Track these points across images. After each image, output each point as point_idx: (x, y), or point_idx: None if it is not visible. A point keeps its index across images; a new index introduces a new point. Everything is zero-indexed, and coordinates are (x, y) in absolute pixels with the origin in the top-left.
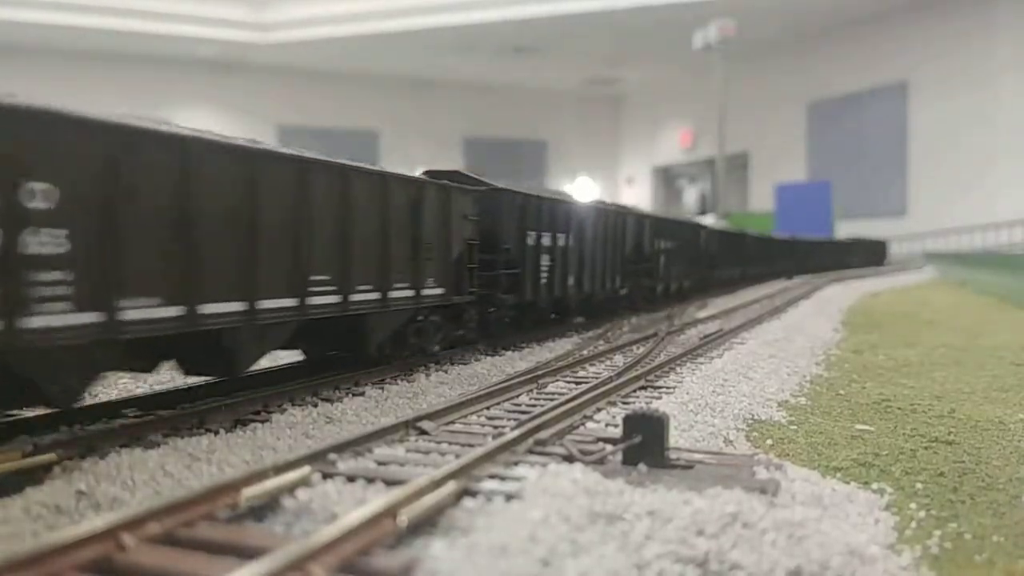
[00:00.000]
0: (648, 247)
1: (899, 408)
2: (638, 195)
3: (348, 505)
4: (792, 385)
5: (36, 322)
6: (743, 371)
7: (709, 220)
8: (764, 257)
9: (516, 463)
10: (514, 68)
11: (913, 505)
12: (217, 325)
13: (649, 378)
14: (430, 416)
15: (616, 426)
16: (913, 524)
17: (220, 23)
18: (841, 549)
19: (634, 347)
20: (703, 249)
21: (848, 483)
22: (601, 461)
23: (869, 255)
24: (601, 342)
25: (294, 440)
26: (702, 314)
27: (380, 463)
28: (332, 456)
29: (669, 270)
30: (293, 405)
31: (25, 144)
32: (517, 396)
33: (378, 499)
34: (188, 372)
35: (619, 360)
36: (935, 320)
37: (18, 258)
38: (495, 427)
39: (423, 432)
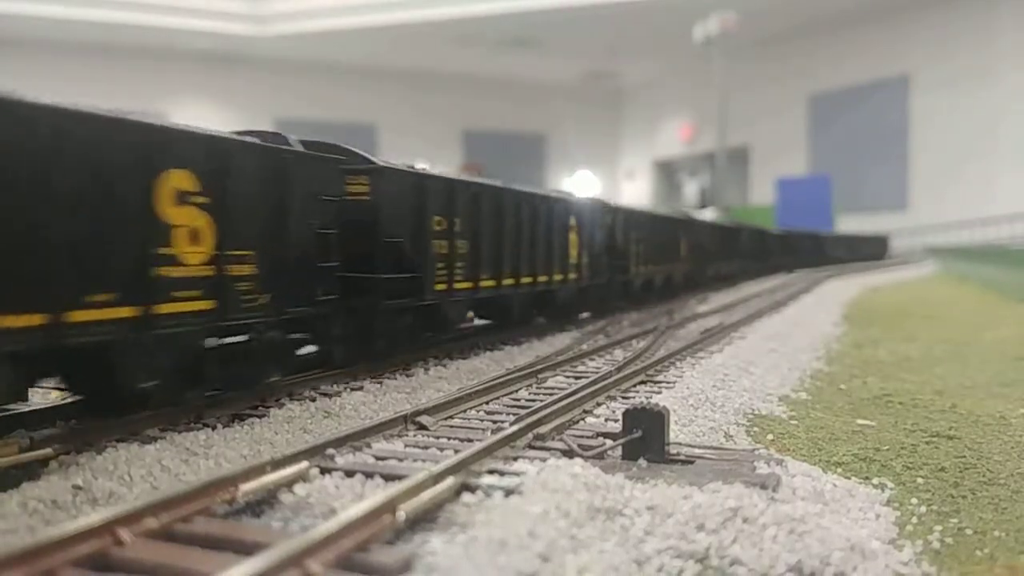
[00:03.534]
0: (409, 238)
1: (900, 403)
2: (638, 189)
3: (346, 500)
4: (793, 380)
5: None
6: (743, 365)
7: (709, 214)
8: (732, 254)
9: (515, 458)
10: (514, 61)
11: (914, 500)
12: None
13: (649, 372)
14: (429, 411)
15: (616, 421)
16: (914, 519)
17: (218, 15)
18: (842, 544)
19: (634, 341)
20: (602, 242)
21: (849, 478)
22: (601, 456)
23: (865, 250)
24: (601, 336)
25: (292, 435)
26: (703, 308)
27: (378, 458)
28: (330, 451)
29: (490, 273)
30: (291, 400)
31: None
32: (516, 391)
33: (377, 494)
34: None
35: (619, 354)
36: (936, 315)
37: None
38: (494, 422)
39: (422, 427)
